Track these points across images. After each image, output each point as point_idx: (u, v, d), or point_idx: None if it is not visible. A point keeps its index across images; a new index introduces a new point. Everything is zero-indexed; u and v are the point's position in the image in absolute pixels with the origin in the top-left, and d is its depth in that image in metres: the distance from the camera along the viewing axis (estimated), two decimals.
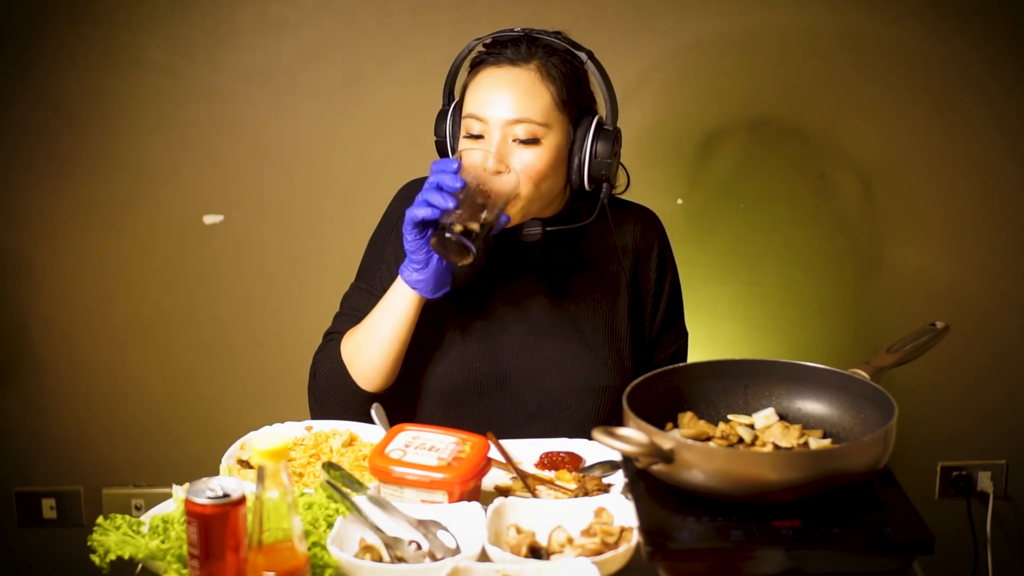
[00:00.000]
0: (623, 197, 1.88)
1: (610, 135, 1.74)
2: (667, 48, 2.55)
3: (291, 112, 2.58)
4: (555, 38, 1.74)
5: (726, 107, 2.60)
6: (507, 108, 1.69)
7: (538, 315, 1.82)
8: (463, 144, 1.74)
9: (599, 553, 1.32)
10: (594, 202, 1.77)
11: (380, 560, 1.32)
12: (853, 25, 2.55)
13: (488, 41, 1.76)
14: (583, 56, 1.74)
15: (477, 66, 1.75)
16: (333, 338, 1.83)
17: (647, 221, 1.91)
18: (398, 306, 1.72)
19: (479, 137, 1.71)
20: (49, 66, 2.53)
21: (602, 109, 1.77)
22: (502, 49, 1.73)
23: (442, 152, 1.81)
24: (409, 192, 1.89)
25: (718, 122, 2.60)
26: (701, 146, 2.61)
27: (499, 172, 1.66)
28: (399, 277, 1.71)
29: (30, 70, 2.53)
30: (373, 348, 1.74)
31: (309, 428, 1.69)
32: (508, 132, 1.69)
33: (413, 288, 1.69)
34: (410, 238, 1.65)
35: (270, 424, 1.68)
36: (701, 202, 2.64)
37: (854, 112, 2.61)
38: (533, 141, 1.69)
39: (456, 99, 1.79)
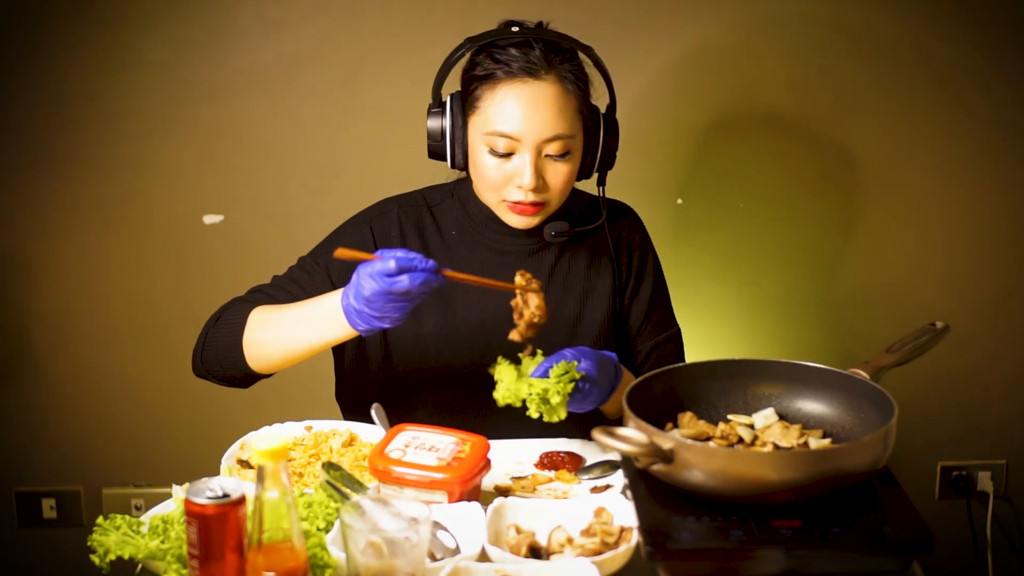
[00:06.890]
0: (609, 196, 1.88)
1: (616, 129, 1.76)
2: (667, 48, 2.55)
3: (291, 112, 2.58)
4: (550, 35, 1.69)
5: (726, 107, 2.60)
6: (542, 127, 1.66)
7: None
8: (486, 160, 1.69)
9: (599, 553, 1.32)
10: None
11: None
12: (853, 23, 2.55)
13: (485, 43, 1.68)
14: (587, 55, 1.72)
15: (487, 79, 1.68)
16: (256, 300, 1.74)
17: (628, 218, 1.91)
18: (330, 334, 1.58)
19: (506, 155, 1.68)
20: (49, 66, 2.53)
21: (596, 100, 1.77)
22: (511, 57, 1.66)
23: (440, 155, 1.74)
24: (381, 218, 1.81)
25: (718, 122, 2.60)
26: (701, 146, 2.61)
27: (536, 188, 1.67)
28: (343, 314, 1.52)
29: (30, 70, 2.53)
30: (280, 349, 1.65)
31: (309, 428, 1.69)
32: (542, 148, 1.67)
33: (355, 328, 1.53)
34: (384, 304, 1.48)
35: (270, 424, 1.68)
36: (701, 202, 2.64)
37: (854, 111, 2.61)
38: (565, 155, 1.69)
39: (453, 108, 1.71)
